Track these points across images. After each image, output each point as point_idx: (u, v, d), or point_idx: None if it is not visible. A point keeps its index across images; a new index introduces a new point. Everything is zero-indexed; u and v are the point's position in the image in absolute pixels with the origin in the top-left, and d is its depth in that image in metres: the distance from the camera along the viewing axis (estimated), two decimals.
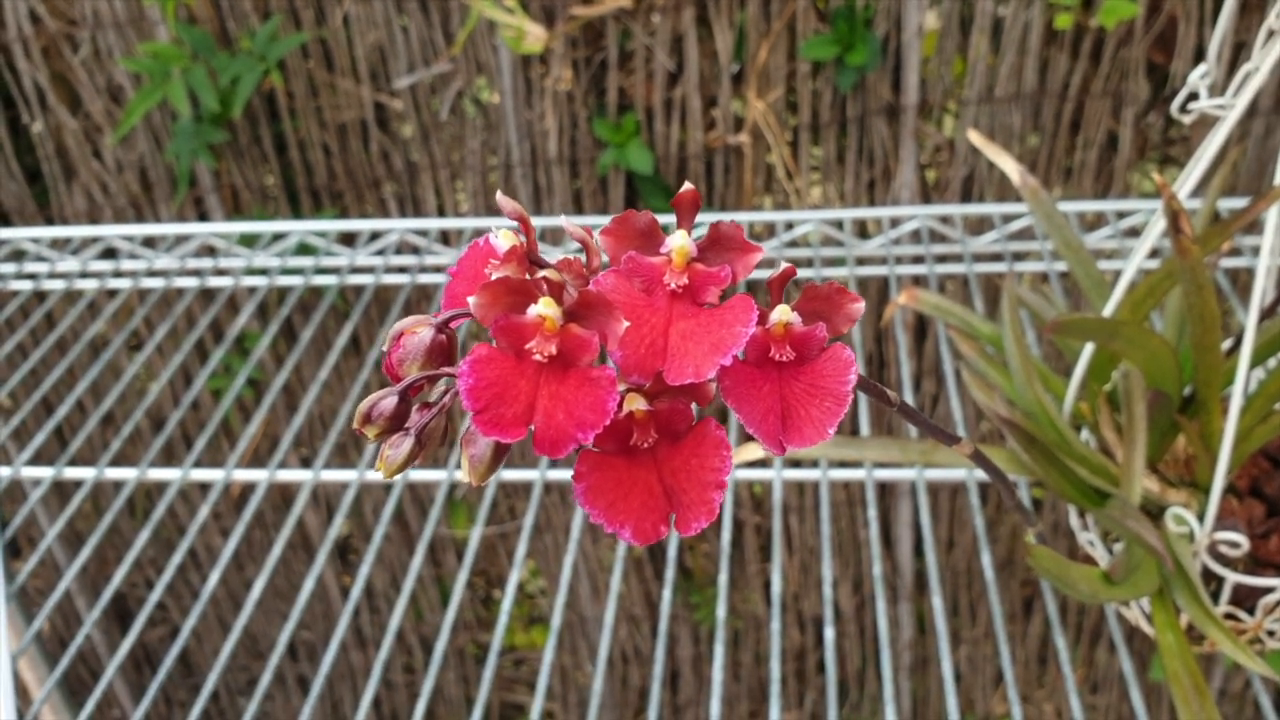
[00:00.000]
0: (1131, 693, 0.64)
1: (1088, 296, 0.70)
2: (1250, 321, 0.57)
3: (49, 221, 1.35)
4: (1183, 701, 0.55)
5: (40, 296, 1.31)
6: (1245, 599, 0.62)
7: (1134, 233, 1.01)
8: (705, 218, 1.09)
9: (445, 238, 1.23)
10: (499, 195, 0.32)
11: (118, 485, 1.37)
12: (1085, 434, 0.69)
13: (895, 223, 1.06)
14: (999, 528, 1.39)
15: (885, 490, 1.38)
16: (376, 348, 0.99)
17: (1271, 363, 0.70)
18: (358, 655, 1.61)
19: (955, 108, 1.19)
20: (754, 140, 1.20)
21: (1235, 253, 0.97)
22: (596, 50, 1.19)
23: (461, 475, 0.31)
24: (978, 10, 1.11)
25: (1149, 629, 0.63)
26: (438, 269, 1.08)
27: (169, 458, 1.47)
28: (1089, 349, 0.66)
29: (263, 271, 1.10)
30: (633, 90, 1.20)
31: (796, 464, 1.11)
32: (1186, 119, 0.63)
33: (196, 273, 1.09)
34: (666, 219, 0.80)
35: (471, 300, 0.29)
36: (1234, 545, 0.60)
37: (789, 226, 1.06)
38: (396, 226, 1.09)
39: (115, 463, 1.48)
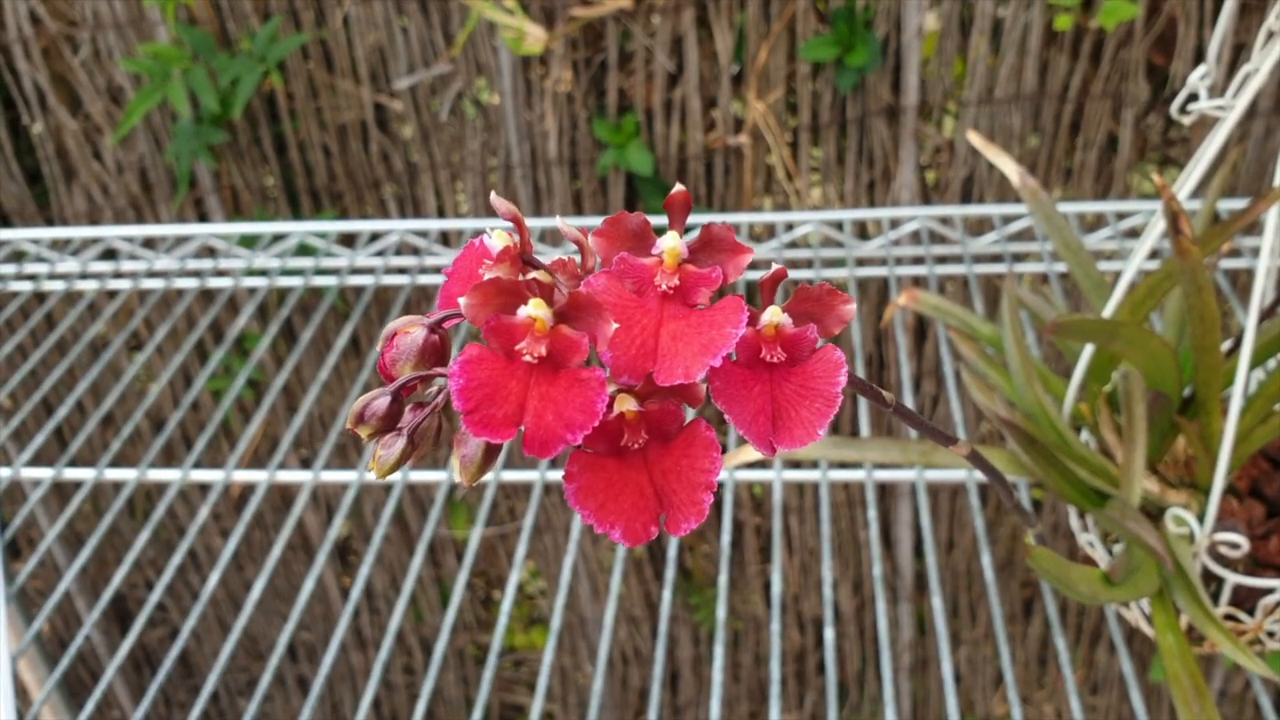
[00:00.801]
0: (1132, 694, 0.64)
1: (1088, 298, 0.70)
2: (1250, 322, 0.56)
3: (49, 222, 1.36)
4: (1183, 702, 0.55)
5: (40, 297, 1.31)
6: (1245, 600, 0.61)
7: (1134, 234, 1.01)
8: (706, 219, 1.09)
9: (445, 239, 1.23)
10: (493, 196, 0.32)
11: (117, 486, 1.37)
12: (1085, 435, 0.69)
13: (895, 224, 1.06)
14: (999, 529, 1.39)
15: (885, 491, 1.38)
16: (376, 348, 0.99)
17: (1271, 364, 0.70)
18: (358, 656, 1.61)
19: (955, 109, 1.19)
20: (754, 141, 1.20)
21: (1235, 254, 0.97)
22: (596, 51, 1.19)
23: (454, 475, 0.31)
24: (977, 11, 1.11)
25: (1149, 630, 0.63)
26: (437, 270, 1.08)
27: (169, 458, 1.47)
28: (1089, 350, 0.65)
29: (263, 272, 1.10)
30: (633, 91, 1.20)
31: (796, 465, 1.11)
32: (1186, 120, 0.63)
33: (196, 274, 1.09)
34: (665, 220, 0.80)
35: (462, 301, 0.29)
36: (1234, 546, 0.60)
37: (789, 227, 1.06)
38: (396, 227, 1.09)
39: (115, 463, 1.48)
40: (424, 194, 1.30)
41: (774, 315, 0.31)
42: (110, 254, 1.16)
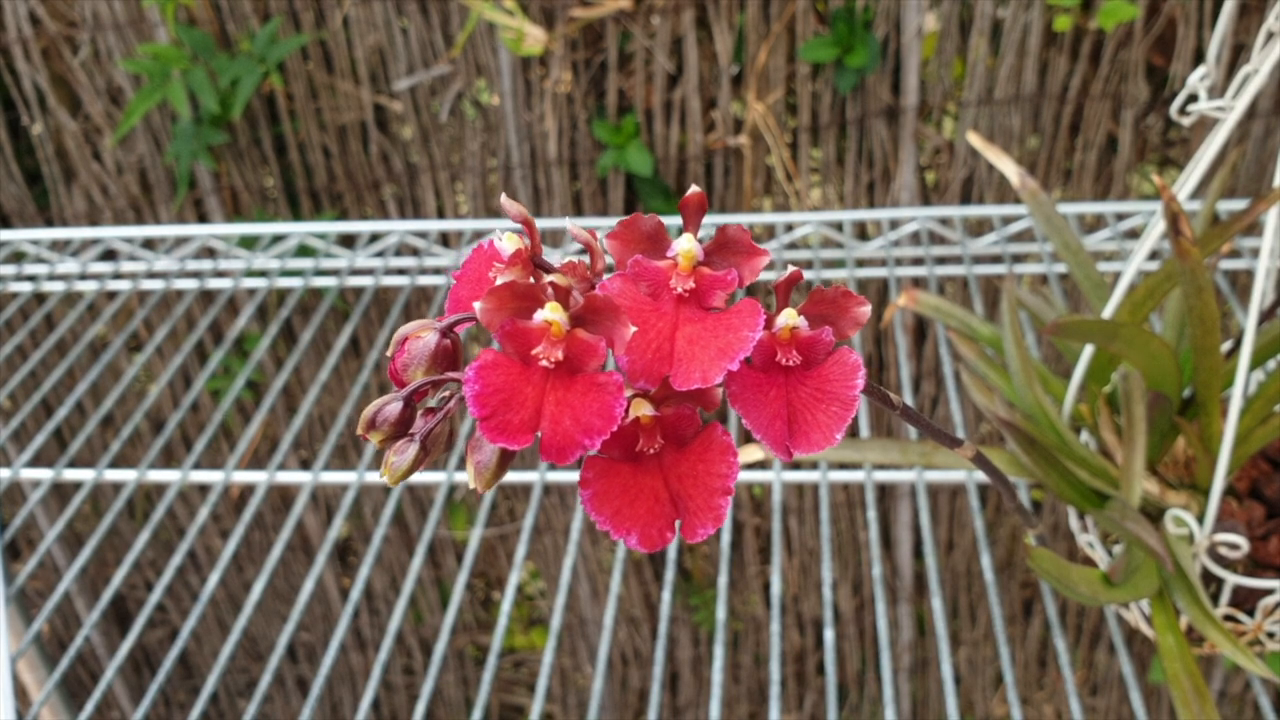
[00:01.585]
0: (1131, 695, 0.64)
1: (1087, 298, 0.70)
2: (1250, 323, 0.57)
3: (49, 223, 1.35)
4: (1183, 703, 0.55)
5: (40, 298, 1.31)
6: (1245, 601, 0.62)
7: (1133, 235, 1.01)
8: (705, 220, 1.09)
9: (445, 239, 1.23)
10: (504, 199, 0.32)
11: (117, 487, 1.37)
12: (1085, 436, 0.69)
13: (895, 224, 1.06)
14: (999, 529, 1.39)
15: (885, 492, 1.38)
16: (376, 350, 0.99)
17: (1271, 365, 0.70)
18: (357, 657, 1.61)
19: (955, 110, 1.19)
20: (754, 142, 1.20)
21: (1235, 255, 0.97)
22: (596, 52, 1.19)
23: (462, 477, 0.31)
24: (977, 12, 1.12)
25: (1149, 631, 0.63)
26: (437, 271, 1.08)
27: (169, 459, 1.47)
28: (1089, 351, 0.66)
29: (262, 273, 1.10)
30: (632, 92, 1.20)
31: (796, 466, 1.11)
32: (1186, 121, 0.63)
33: (196, 274, 1.09)
34: (667, 221, 0.80)
35: (477, 305, 0.29)
36: (1234, 547, 0.60)
37: (789, 228, 1.06)
38: (396, 228, 1.09)
39: (115, 464, 1.48)
40: (424, 195, 1.30)
41: (790, 318, 0.31)
42: (110, 255, 1.16)
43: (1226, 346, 0.64)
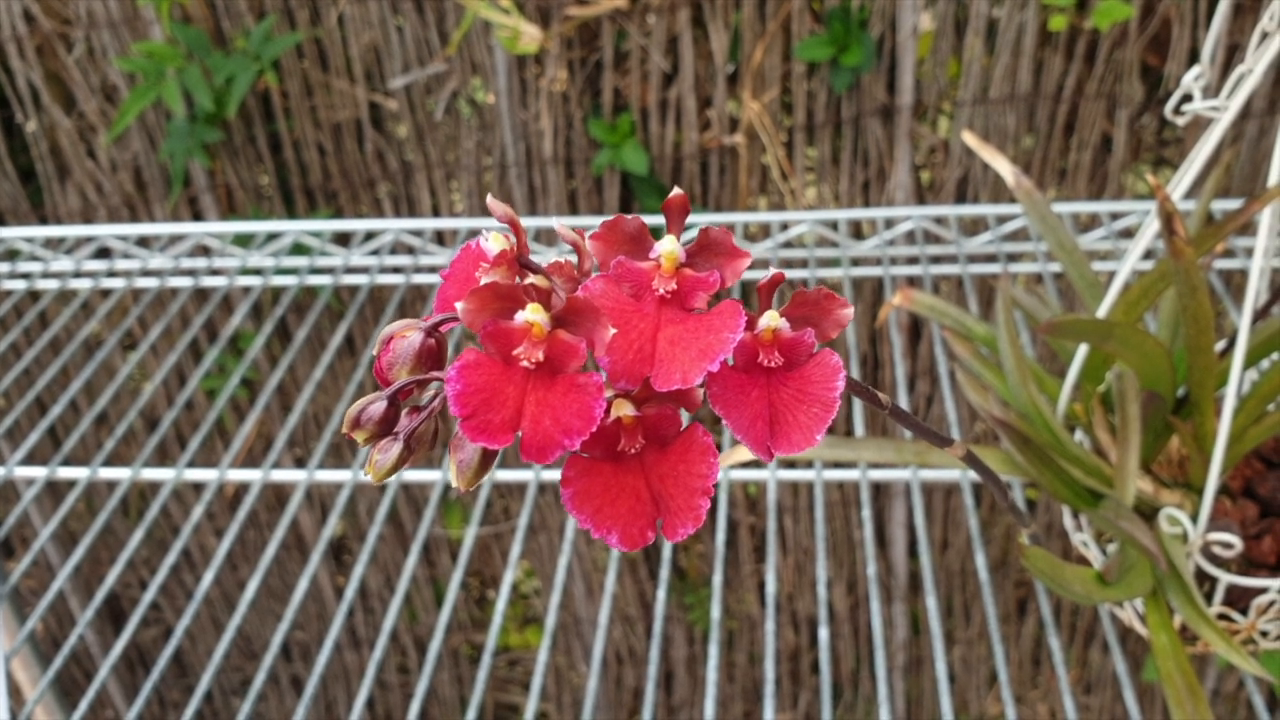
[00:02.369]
0: (1125, 693, 0.64)
1: (1082, 298, 0.70)
2: (1244, 323, 0.57)
3: (43, 221, 1.35)
4: (1176, 702, 0.55)
5: (34, 296, 1.31)
6: (1238, 600, 0.62)
7: (1128, 234, 1.01)
8: (701, 219, 1.09)
9: (440, 238, 1.22)
10: (489, 199, 0.32)
11: (111, 485, 1.36)
12: (1079, 435, 0.69)
13: (890, 224, 1.06)
14: (993, 529, 1.39)
15: (880, 491, 1.38)
16: (371, 348, 0.99)
17: (1265, 364, 0.70)
18: (352, 656, 1.61)
19: (950, 109, 1.19)
20: (749, 141, 1.20)
21: (1229, 254, 0.97)
22: (592, 51, 1.19)
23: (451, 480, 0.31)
24: (972, 12, 1.12)
25: (1143, 630, 0.63)
26: (433, 269, 1.08)
27: (163, 458, 1.47)
28: (1083, 350, 0.66)
29: (257, 271, 1.09)
30: (628, 91, 1.20)
31: (791, 465, 1.11)
32: (1181, 121, 0.63)
33: (191, 272, 1.09)
34: (660, 220, 0.80)
35: (460, 305, 0.29)
36: (1227, 546, 0.60)
37: (784, 227, 1.06)
38: (391, 227, 1.09)
39: (109, 462, 1.47)
40: (419, 193, 1.30)
41: (771, 320, 0.31)
42: (104, 253, 1.15)
43: (1220, 346, 0.64)
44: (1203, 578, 0.62)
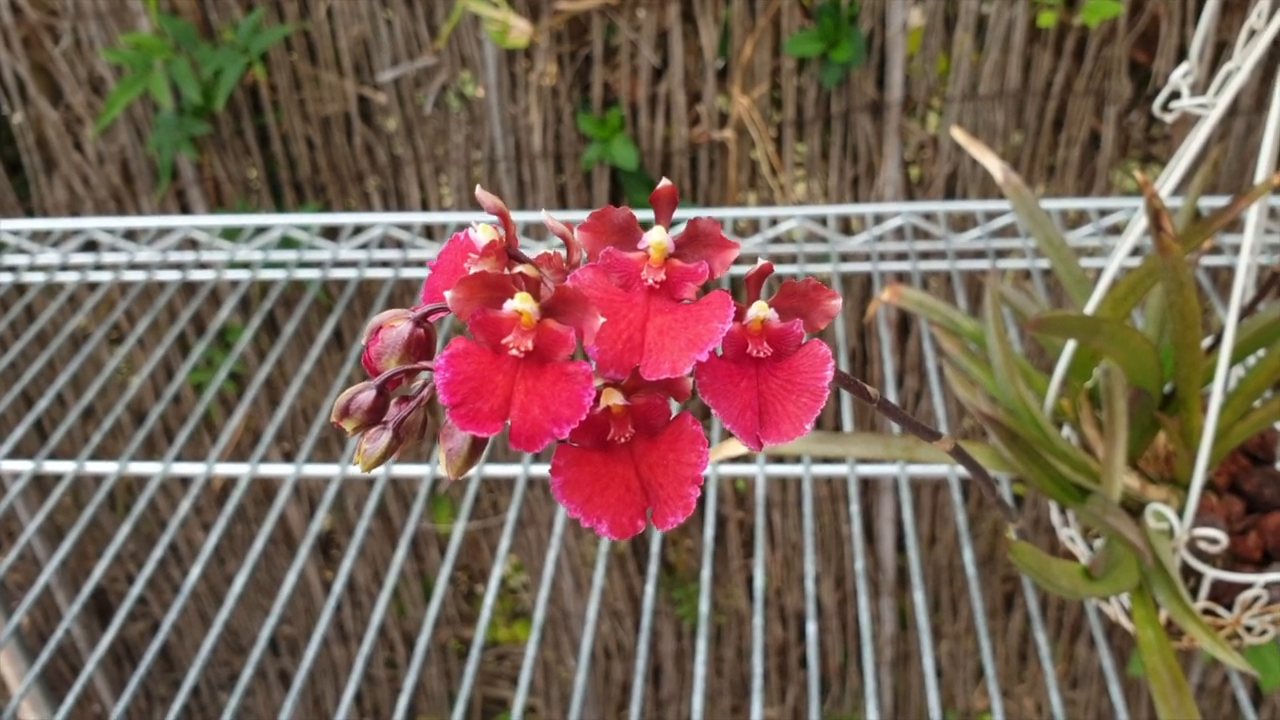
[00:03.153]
0: (1111, 688, 0.64)
1: (1070, 294, 0.70)
2: (1230, 319, 0.57)
3: (29, 214, 1.35)
4: (1161, 696, 0.56)
5: (20, 289, 1.30)
6: (1223, 595, 0.62)
7: (1116, 231, 1.01)
8: (690, 214, 1.09)
9: (429, 232, 1.22)
10: (478, 190, 0.32)
11: (98, 479, 1.36)
12: (1067, 431, 0.69)
13: (879, 219, 1.06)
14: (981, 524, 1.40)
15: (868, 486, 1.38)
16: (359, 342, 0.98)
17: (1251, 360, 0.70)
18: (340, 650, 1.61)
19: (939, 105, 1.19)
20: (739, 136, 1.20)
21: (1216, 251, 0.98)
22: (581, 45, 1.19)
23: (441, 470, 0.31)
24: (962, 8, 1.12)
25: (1129, 624, 0.63)
26: (421, 263, 1.08)
27: (150, 452, 1.46)
28: (1071, 346, 0.66)
29: (245, 265, 1.09)
30: (617, 85, 1.20)
31: (779, 459, 1.11)
32: (1168, 118, 0.63)
33: (178, 266, 1.08)
34: (649, 215, 0.80)
35: (448, 294, 0.29)
36: (1213, 541, 0.60)
37: (773, 223, 1.06)
38: (380, 220, 1.09)
39: (96, 457, 1.47)
40: (408, 187, 1.29)
41: (760, 310, 0.31)
42: (91, 246, 1.15)
43: (1207, 342, 0.65)
44: (1188, 573, 0.62)
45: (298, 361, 1.38)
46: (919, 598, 0.69)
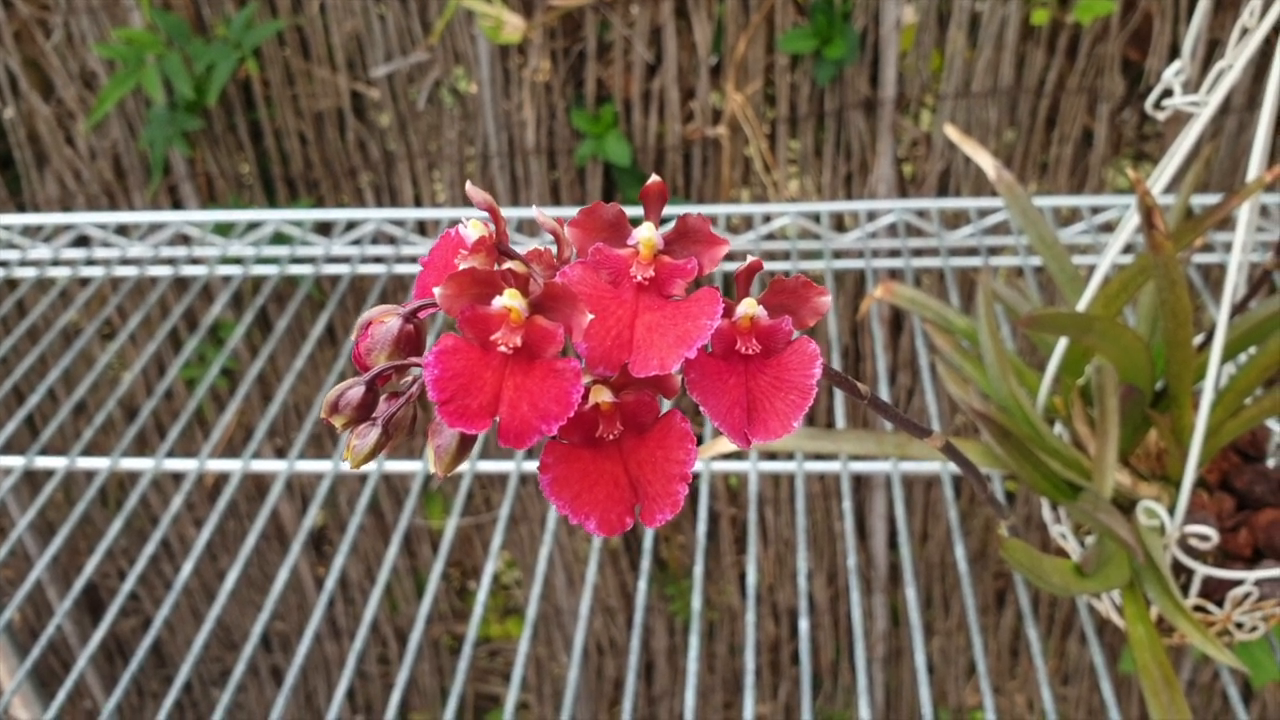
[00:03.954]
0: (1102, 684, 0.65)
1: (1062, 291, 0.70)
2: (1222, 317, 0.57)
3: (20, 209, 1.34)
4: (1152, 693, 0.56)
5: (11, 284, 1.30)
6: (1214, 592, 0.62)
7: (1108, 228, 1.01)
8: (683, 210, 1.09)
9: (422, 228, 1.22)
10: (469, 186, 0.32)
11: (90, 475, 1.36)
12: (1058, 428, 0.69)
13: (872, 216, 1.06)
14: (972, 520, 1.40)
15: (860, 483, 1.38)
16: (351, 338, 0.98)
17: (1242, 358, 0.70)
18: (332, 646, 1.60)
19: (932, 102, 1.19)
20: (732, 133, 1.20)
21: (1208, 249, 0.98)
22: (575, 41, 1.19)
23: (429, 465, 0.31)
24: (955, 5, 1.12)
25: (1120, 621, 0.63)
26: (414, 259, 1.07)
27: (142, 447, 1.46)
28: (1063, 343, 0.66)
29: (238, 260, 1.09)
30: (611, 81, 1.20)
31: (772, 456, 1.11)
32: (1161, 115, 0.63)
33: (170, 261, 1.08)
34: (641, 211, 0.80)
35: (438, 290, 0.29)
36: (1204, 538, 0.60)
37: (766, 219, 1.06)
38: (373, 216, 1.09)
39: (87, 452, 1.46)
40: (401, 183, 1.29)
41: (749, 307, 0.31)
42: (83, 241, 1.14)
43: (1199, 340, 0.65)
44: (1179, 570, 0.62)
45: (290, 357, 1.38)
46: (911, 594, 0.70)
